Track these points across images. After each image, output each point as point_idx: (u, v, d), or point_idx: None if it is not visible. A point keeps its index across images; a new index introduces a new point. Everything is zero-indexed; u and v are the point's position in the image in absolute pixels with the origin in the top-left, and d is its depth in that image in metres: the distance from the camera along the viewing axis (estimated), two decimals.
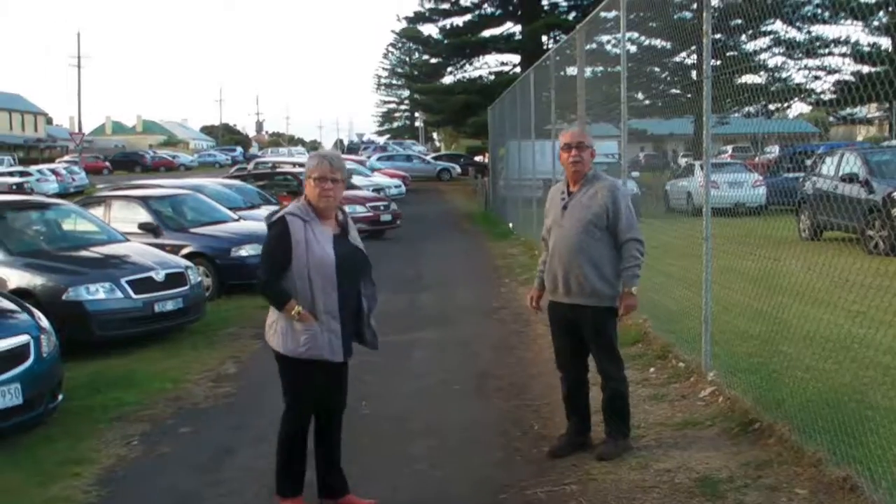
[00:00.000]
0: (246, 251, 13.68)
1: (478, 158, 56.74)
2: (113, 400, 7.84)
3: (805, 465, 5.31)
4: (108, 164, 71.38)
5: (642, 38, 11.48)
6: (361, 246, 5.15)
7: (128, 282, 10.13)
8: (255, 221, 15.82)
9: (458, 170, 55.21)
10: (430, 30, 50.74)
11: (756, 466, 5.47)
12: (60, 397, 7.30)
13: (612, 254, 5.76)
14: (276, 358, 5.08)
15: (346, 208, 5.33)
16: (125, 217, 13.87)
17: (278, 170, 26.20)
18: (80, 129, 71.73)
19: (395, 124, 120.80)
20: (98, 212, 13.79)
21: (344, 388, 5.28)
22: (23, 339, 6.85)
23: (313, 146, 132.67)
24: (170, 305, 10.43)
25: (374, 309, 5.20)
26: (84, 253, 10.94)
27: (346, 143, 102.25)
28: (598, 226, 5.71)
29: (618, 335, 6.03)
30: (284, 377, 5.07)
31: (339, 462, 5.31)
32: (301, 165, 28.10)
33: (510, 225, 23.42)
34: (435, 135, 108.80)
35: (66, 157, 65.64)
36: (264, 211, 17.71)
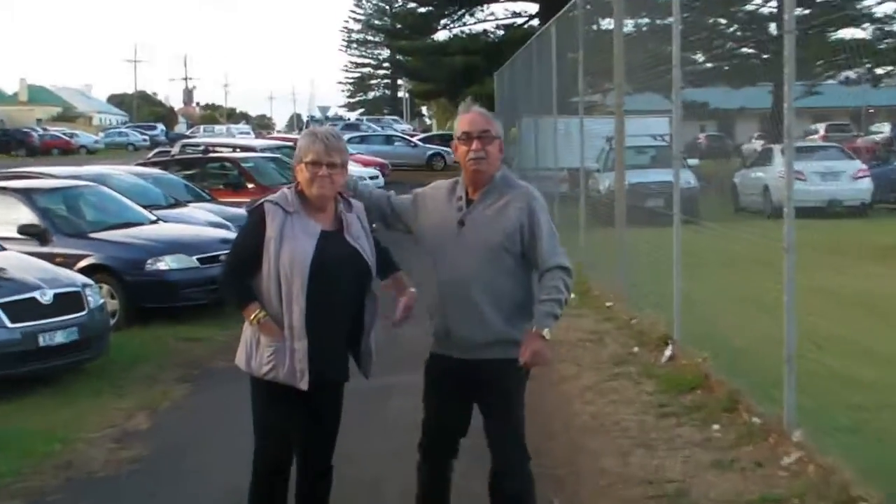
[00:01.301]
0: (166, 264, 13.53)
1: None
2: None
3: None
4: None
5: None
6: (365, 248, 5.33)
7: (1, 305, 9.98)
8: (180, 224, 15.70)
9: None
10: None
11: None
12: None
13: (524, 289, 5.42)
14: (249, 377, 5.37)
15: None
16: (1, 218, 13.72)
17: (213, 154, 26.00)
18: None
19: (371, 95, 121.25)
20: None
21: (326, 429, 5.46)
22: None
23: (262, 123, 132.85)
24: (59, 338, 10.24)
25: (374, 326, 5.47)
26: None
27: (305, 119, 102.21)
28: (510, 250, 5.32)
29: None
30: (252, 404, 5.36)
31: None
32: (246, 149, 27.99)
33: None
34: (424, 109, 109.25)
35: None
36: (194, 210, 17.60)
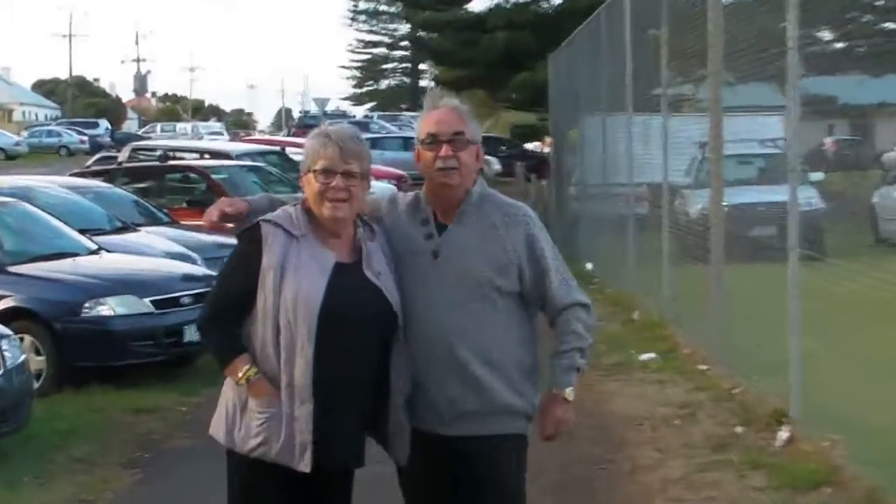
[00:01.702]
0: (110, 308, 13.55)
1: (530, 146, 56.86)
2: None
3: None
4: None
5: None
6: (390, 287, 5.29)
7: None
8: (129, 255, 15.72)
9: (497, 166, 55.33)
10: None
11: None
12: None
13: (523, 338, 5.44)
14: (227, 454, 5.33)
15: None
16: None
17: (174, 162, 26.09)
18: None
19: (385, 84, 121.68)
20: None
21: None
22: None
23: (239, 121, 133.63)
24: None
25: (406, 391, 5.35)
26: None
27: (296, 115, 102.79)
28: (505, 289, 5.33)
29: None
30: (229, 493, 5.33)
31: None
32: (217, 156, 28.06)
33: (587, 265, 23.33)
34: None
35: None
36: (147, 236, 17.60)
